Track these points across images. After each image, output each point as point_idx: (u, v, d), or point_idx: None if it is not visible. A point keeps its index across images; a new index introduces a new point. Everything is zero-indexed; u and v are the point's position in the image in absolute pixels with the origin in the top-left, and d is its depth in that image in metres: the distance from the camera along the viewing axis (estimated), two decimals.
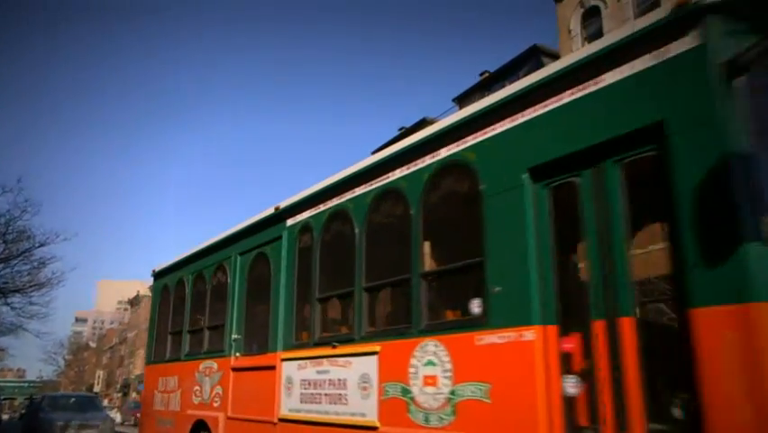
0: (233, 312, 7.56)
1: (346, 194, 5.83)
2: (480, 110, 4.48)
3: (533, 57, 26.05)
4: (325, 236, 6.13)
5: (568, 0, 21.81)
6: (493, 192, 4.20)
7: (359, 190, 5.67)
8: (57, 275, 28.03)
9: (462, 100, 28.59)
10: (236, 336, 7.41)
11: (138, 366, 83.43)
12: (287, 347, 6.31)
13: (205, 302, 8.49)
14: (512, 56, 27.32)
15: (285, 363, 6.24)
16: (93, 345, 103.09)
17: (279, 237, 6.83)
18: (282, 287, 6.56)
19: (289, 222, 6.70)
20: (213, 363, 7.86)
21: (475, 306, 4.26)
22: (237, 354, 7.30)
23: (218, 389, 7.56)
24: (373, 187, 5.49)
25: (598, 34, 19.00)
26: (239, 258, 7.73)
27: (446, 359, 4.28)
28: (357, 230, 5.57)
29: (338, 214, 5.92)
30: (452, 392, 4.17)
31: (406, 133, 29.20)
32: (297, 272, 6.44)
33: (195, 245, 9.14)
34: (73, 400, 19.40)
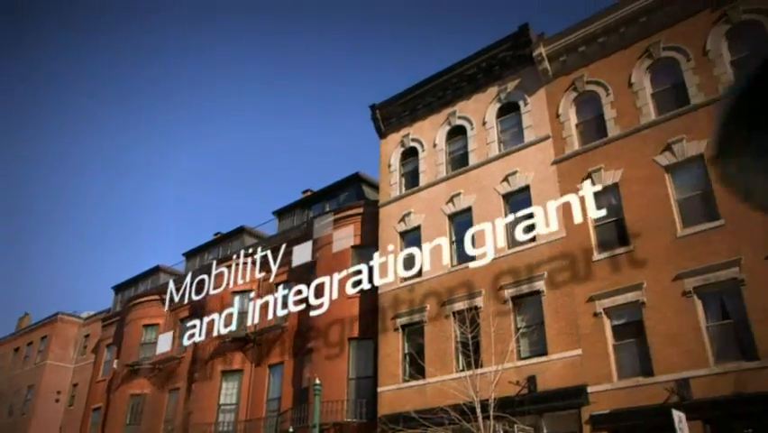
0: None
1: None
2: None
3: (354, 183, 28.13)
4: None
5: (391, 138, 24.63)
6: None
7: None
8: None
9: (282, 214, 30.73)
10: None
11: None
12: None
13: None
14: (335, 179, 29.04)
15: None
16: None
17: None
18: None
19: None
20: None
21: None
22: None
23: None
24: None
25: (415, 172, 22.97)
26: None
27: None
28: None
29: None
30: None
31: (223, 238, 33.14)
32: None
33: None
34: None
